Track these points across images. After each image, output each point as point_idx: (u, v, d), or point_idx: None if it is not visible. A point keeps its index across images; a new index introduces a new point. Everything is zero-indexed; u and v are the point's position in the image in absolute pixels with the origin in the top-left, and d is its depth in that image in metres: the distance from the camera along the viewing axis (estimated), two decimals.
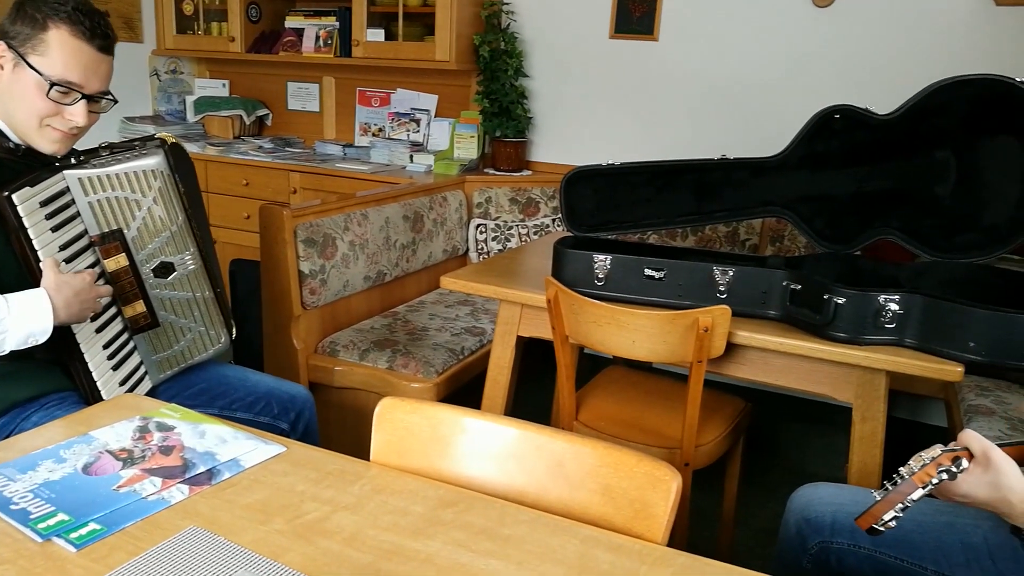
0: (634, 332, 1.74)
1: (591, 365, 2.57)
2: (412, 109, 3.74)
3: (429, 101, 3.71)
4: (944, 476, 1.00)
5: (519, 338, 2.05)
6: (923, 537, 1.30)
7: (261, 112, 4.08)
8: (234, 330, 1.82)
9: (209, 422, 1.18)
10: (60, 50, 1.41)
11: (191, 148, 3.67)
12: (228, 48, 3.83)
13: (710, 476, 2.14)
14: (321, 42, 3.62)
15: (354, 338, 2.48)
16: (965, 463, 1.02)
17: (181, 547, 0.88)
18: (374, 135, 3.82)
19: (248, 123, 4.03)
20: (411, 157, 3.53)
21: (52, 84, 1.41)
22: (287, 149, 3.83)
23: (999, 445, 1.09)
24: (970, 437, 1.07)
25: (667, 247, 2.13)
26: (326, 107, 3.97)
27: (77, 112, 1.45)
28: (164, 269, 1.64)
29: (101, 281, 1.50)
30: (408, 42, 3.46)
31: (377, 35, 3.47)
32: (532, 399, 2.95)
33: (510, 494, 1.08)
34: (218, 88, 4.15)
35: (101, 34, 1.45)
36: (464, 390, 2.42)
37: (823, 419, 3.06)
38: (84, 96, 1.45)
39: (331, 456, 1.12)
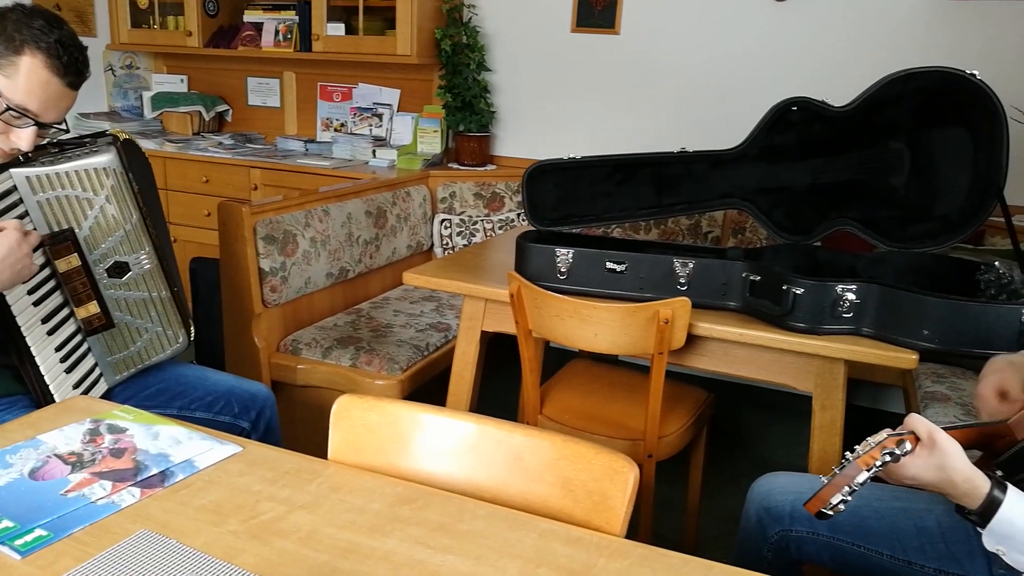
0: (596, 325, 1.75)
1: (557, 359, 2.58)
2: (374, 104, 3.71)
3: (391, 96, 3.68)
4: (888, 459, 1.02)
5: (483, 333, 2.04)
6: (879, 523, 1.33)
7: (221, 108, 4.02)
8: (193, 330, 1.79)
9: (163, 423, 1.16)
10: (27, 78, 1.36)
11: (149, 145, 3.60)
12: (185, 43, 3.76)
13: (674, 467, 2.15)
14: (281, 36, 3.57)
15: (317, 336, 2.45)
16: (908, 445, 1.04)
17: (131, 551, 0.86)
18: (336, 130, 3.78)
19: (207, 119, 3.97)
20: (374, 152, 3.50)
21: (8, 108, 1.36)
22: (248, 145, 3.78)
23: (945, 429, 1.11)
24: (916, 421, 1.09)
25: (629, 240, 2.14)
26: (287, 102, 3.92)
27: (24, 137, 1.40)
28: (119, 269, 1.60)
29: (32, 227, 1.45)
30: (369, 36, 3.42)
31: (337, 29, 3.43)
32: (498, 394, 2.94)
33: (469, 489, 1.08)
34: (176, 84, 4.07)
35: (75, 71, 1.42)
36: (429, 386, 2.41)
37: (785, 408, 3.10)
38: (36, 123, 1.41)
39: (288, 455, 1.11)
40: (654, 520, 1.97)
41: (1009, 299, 1.68)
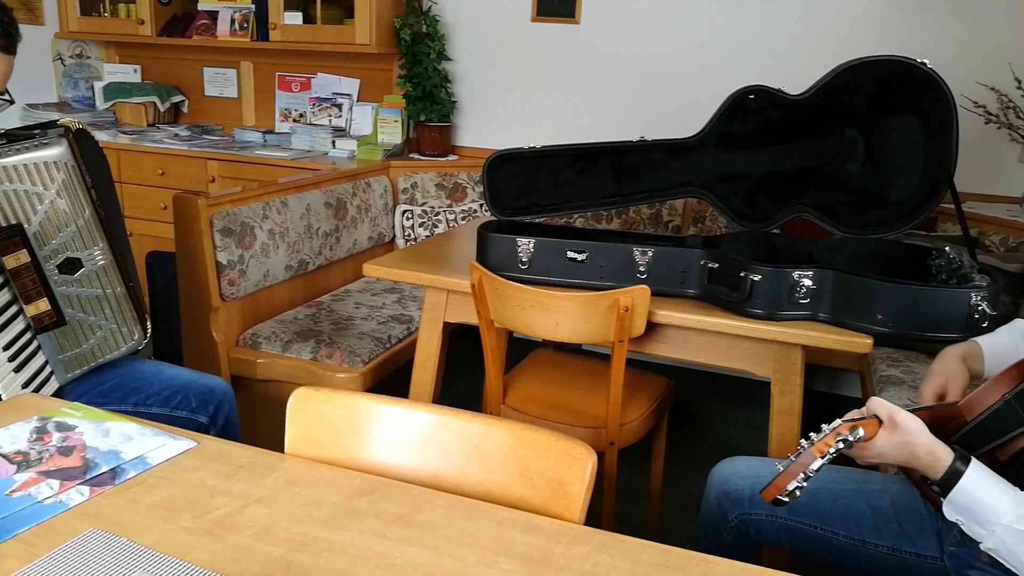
0: (557, 314, 1.75)
1: (521, 349, 2.58)
2: (333, 94, 3.66)
3: (351, 85, 3.64)
4: (841, 445, 1.03)
5: (446, 324, 2.03)
6: (835, 504, 1.35)
7: (176, 99, 3.94)
8: (149, 326, 1.75)
9: (114, 420, 1.13)
10: None
11: (101, 136, 3.52)
12: (137, 31, 3.67)
13: (637, 454, 2.17)
14: (237, 25, 3.51)
15: (276, 329, 2.42)
16: (861, 431, 1.06)
17: (79, 551, 0.84)
18: (295, 121, 3.73)
19: (163, 110, 3.88)
20: (333, 143, 3.46)
21: None
22: (204, 136, 3.71)
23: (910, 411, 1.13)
24: (877, 404, 1.12)
25: (590, 229, 2.15)
26: (244, 93, 3.86)
27: None
28: (71, 265, 1.56)
29: None
30: (327, 25, 3.37)
31: (295, 18, 3.38)
32: (463, 385, 2.94)
33: (428, 480, 1.07)
34: (129, 73, 3.98)
35: (3, 32, 1.37)
36: (392, 379, 2.39)
37: (746, 394, 3.15)
38: None
39: (244, 449, 1.09)
40: (617, 507, 1.98)
41: (959, 283, 1.72)
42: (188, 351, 2.39)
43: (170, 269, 2.42)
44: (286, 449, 1.12)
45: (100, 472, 1.00)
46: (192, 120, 3.97)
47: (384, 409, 1.11)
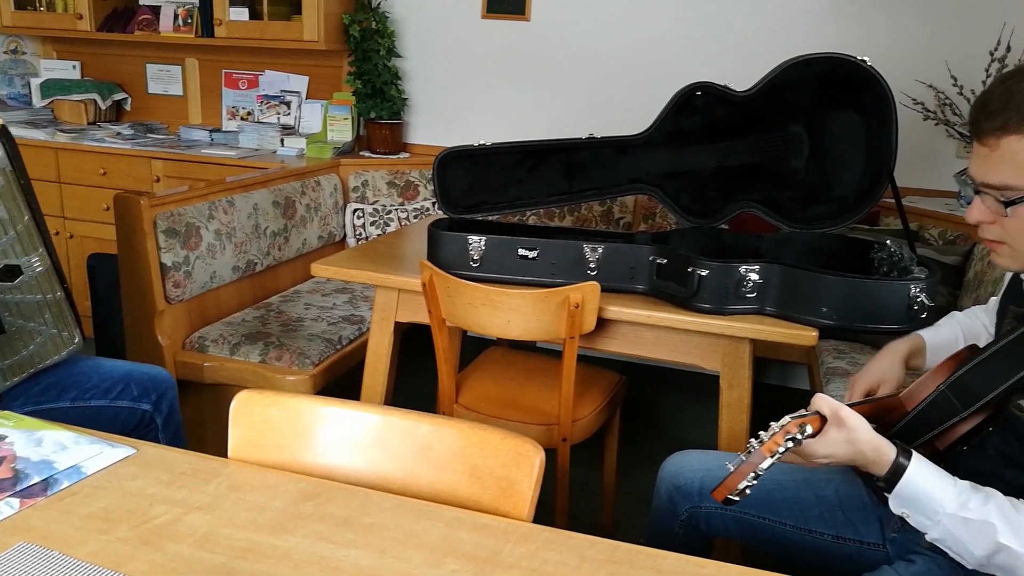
0: (508, 312, 1.75)
1: (476, 348, 2.57)
2: (282, 91, 3.60)
3: (299, 83, 3.58)
4: (791, 444, 1.03)
5: (397, 324, 2.01)
6: (782, 495, 1.37)
7: (118, 96, 3.83)
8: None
9: (47, 428, 1.09)
10: None
11: (39, 135, 3.41)
12: (76, 26, 3.55)
13: (590, 450, 2.18)
14: (180, 21, 3.42)
15: (224, 332, 2.37)
16: (810, 429, 1.05)
17: (7, 566, 0.81)
18: (243, 119, 3.66)
19: (104, 108, 3.77)
20: (282, 141, 3.41)
21: None
22: (149, 135, 3.61)
23: (850, 406, 1.14)
24: (820, 401, 1.11)
25: (541, 227, 2.15)
26: (190, 90, 3.77)
27: None
28: (10, 272, 1.51)
29: None
30: (274, 21, 3.31)
31: (241, 14, 3.31)
32: (417, 385, 2.92)
33: (376, 482, 1.06)
34: (68, 70, 3.85)
35: None
36: (344, 381, 2.36)
37: (698, 387, 3.18)
38: None
39: (185, 455, 1.06)
40: (571, 503, 1.99)
41: (899, 276, 1.76)
42: (132, 355, 2.33)
43: (112, 272, 2.35)
44: (229, 454, 1.09)
45: (31, 483, 0.96)
46: (135, 118, 3.86)
47: (330, 411, 1.09)
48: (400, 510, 0.96)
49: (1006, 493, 1.07)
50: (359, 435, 1.08)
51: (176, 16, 3.43)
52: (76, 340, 1.64)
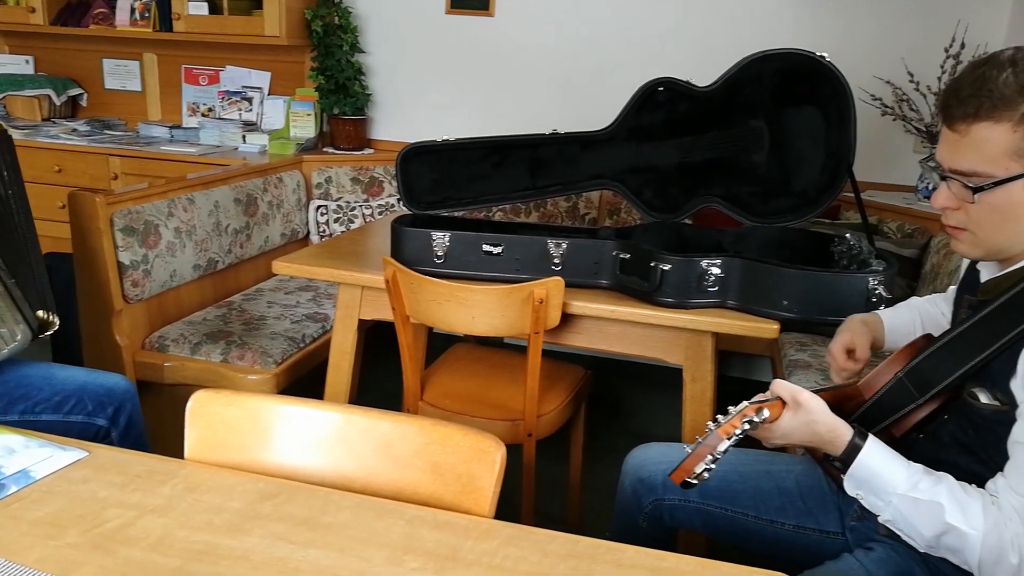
0: (473, 308, 1.74)
1: (443, 344, 2.55)
2: (243, 87, 3.55)
3: (261, 79, 3.53)
4: (747, 427, 1.05)
5: (361, 322, 1.99)
6: (744, 486, 1.38)
7: (74, 91, 3.74)
8: (54, 319, 1.64)
9: None
10: None
11: None
12: (28, 19, 3.46)
13: (556, 445, 2.18)
14: (137, 15, 3.35)
15: (185, 331, 2.33)
16: (767, 412, 1.07)
17: None
18: (203, 115, 3.59)
19: (59, 104, 3.68)
20: (244, 137, 3.35)
21: None
22: (106, 132, 3.54)
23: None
24: (779, 386, 1.13)
25: (506, 223, 2.14)
26: (149, 86, 3.70)
27: None
28: None
29: None
30: (234, 16, 3.26)
31: (200, 8, 3.25)
32: (384, 383, 2.90)
33: (337, 481, 1.04)
34: (20, 65, 3.76)
35: None
36: (307, 379, 2.34)
37: (662, 381, 3.20)
38: None
39: (139, 457, 1.04)
40: (537, 499, 1.99)
41: (859, 269, 1.78)
42: (89, 356, 2.28)
43: (68, 271, 2.30)
44: (186, 455, 1.07)
45: None
46: (92, 114, 3.78)
47: (289, 410, 1.07)
48: (360, 509, 0.95)
49: (960, 479, 1.09)
50: (319, 434, 1.07)
51: (133, 10, 3.36)
52: (18, 338, 1.57)
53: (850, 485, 1.10)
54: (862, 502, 1.10)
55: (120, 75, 3.70)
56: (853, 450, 1.08)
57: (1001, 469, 1.04)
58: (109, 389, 1.60)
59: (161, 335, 2.32)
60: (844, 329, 1.42)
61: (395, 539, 0.89)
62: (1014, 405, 1.02)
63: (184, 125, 3.59)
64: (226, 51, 3.50)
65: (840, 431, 1.10)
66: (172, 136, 3.48)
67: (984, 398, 1.07)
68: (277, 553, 0.86)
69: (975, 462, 1.09)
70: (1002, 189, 1.02)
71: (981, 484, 1.06)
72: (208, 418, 1.07)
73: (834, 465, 1.13)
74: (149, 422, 1.92)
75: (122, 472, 1.00)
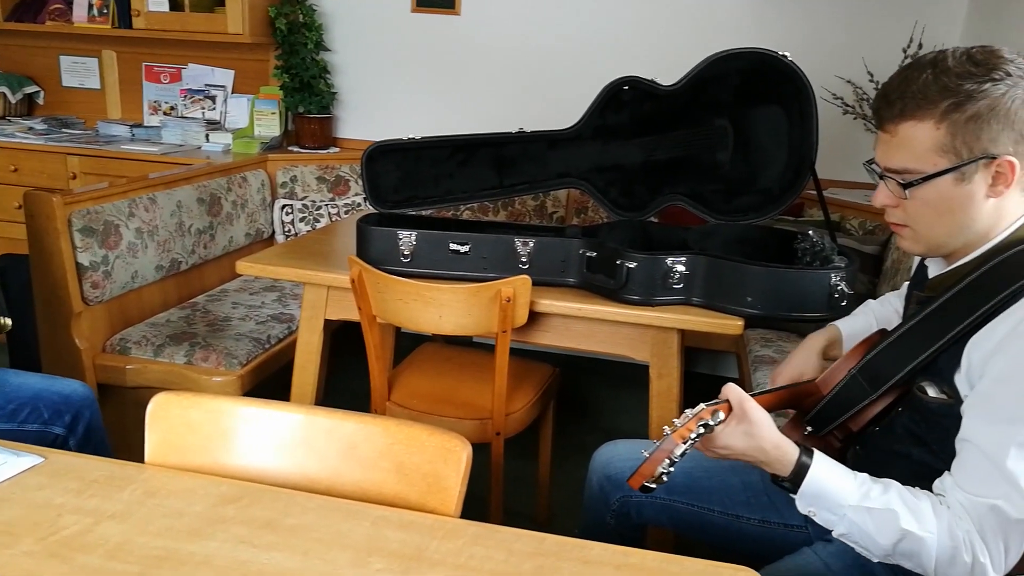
0: (440, 307, 1.73)
1: (411, 344, 2.54)
2: (206, 85, 3.50)
3: (225, 77, 3.49)
4: (702, 430, 1.03)
5: (328, 322, 1.98)
6: (710, 482, 1.39)
7: (30, 89, 3.66)
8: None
9: None
10: None
11: None
12: None
13: (525, 443, 2.18)
14: (95, 11, 3.28)
15: (147, 333, 2.29)
16: (722, 415, 1.06)
17: None
18: (165, 114, 3.54)
19: (14, 102, 3.60)
20: (207, 136, 3.31)
21: None
22: (64, 131, 3.46)
23: (758, 393, 1.16)
24: (729, 390, 1.11)
25: (473, 221, 2.14)
26: (108, 84, 3.63)
27: None
28: None
29: None
30: (196, 13, 3.21)
31: (160, 4, 3.20)
32: (352, 384, 2.88)
33: (301, 483, 1.03)
34: None
35: None
36: (273, 380, 2.31)
37: (631, 378, 3.21)
38: None
39: (97, 462, 1.02)
40: (508, 497, 1.99)
41: (821, 265, 1.81)
42: (47, 360, 2.23)
43: (25, 273, 2.24)
44: (146, 459, 1.05)
45: None
46: (49, 113, 3.70)
47: (251, 412, 1.06)
48: (325, 510, 0.94)
49: (914, 470, 1.11)
50: (282, 436, 1.06)
51: (91, 6, 3.29)
52: None
53: (802, 504, 1.08)
54: (815, 519, 1.08)
55: (78, 72, 3.63)
56: (801, 468, 1.06)
57: (951, 460, 1.06)
58: (66, 396, 1.56)
59: (123, 337, 2.28)
60: (794, 363, 1.40)
61: (360, 540, 0.88)
62: (959, 399, 1.04)
63: (145, 124, 3.53)
64: (188, 49, 3.44)
65: (786, 448, 1.07)
66: (133, 135, 3.42)
67: (932, 392, 1.08)
68: (240, 557, 0.85)
69: (927, 453, 1.11)
70: (930, 184, 1.05)
71: (933, 474, 1.08)
72: (169, 421, 1.06)
73: (783, 486, 1.10)
74: (112, 427, 1.89)
75: (79, 478, 0.98)
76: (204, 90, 3.50)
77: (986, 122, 1.00)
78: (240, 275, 2.67)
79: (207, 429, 1.06)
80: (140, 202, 2.39)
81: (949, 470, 1.06)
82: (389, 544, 0.88)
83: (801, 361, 1.41)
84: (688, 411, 1.06)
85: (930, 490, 1.06)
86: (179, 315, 2.46)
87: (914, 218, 1.10)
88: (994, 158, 1.02)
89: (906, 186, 1.07)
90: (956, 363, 1.04)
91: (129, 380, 2.22)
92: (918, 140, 1.05)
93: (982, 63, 1.01)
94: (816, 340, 1.44)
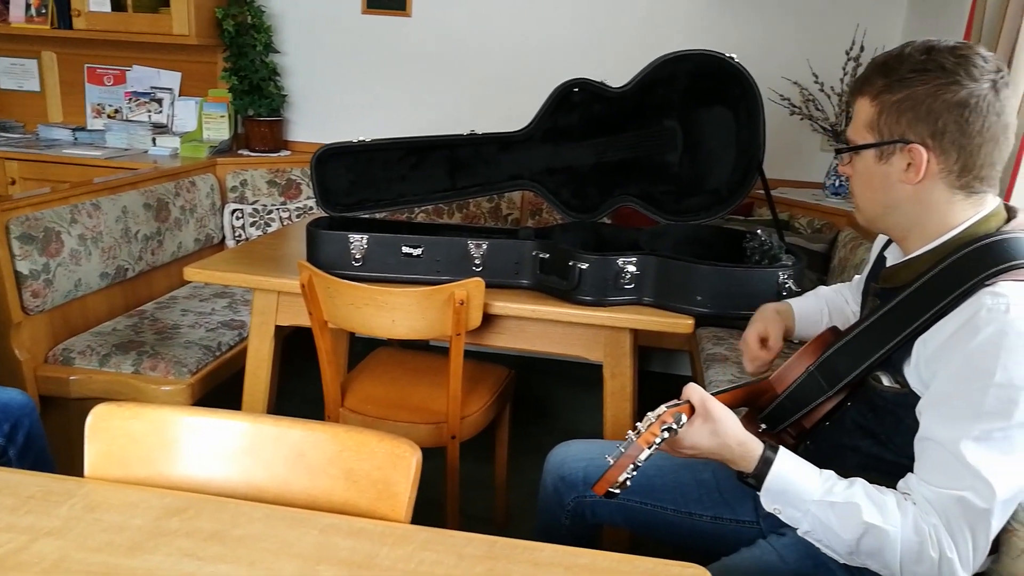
0: (393, 311, 1.72)
1: (367, 348, 2.52)
2: (152, 88, 3.42)
3: (171, 79, 3.41)
4: (667, 434, 1.03)
5: (279, 328, 1.95)
6: (663, 480, 1.40)
7: None
8: None
9: None
10: None
11: None
12: None
13: (482, 446, 2.18)
14: (33, 10, 3.19)
15: (92, 342, 2.23)
16: (684, 418, 1.06)
17: None
18: (110, 117, 3.45)
19: None
20: (154, 140, 3.23)
21: None
22: (2, 135, 3.35)
23: (712, 393, 1.17)
24: (691, 390, 1.12)
25: (426, 224, 2.13)
26: (48, 86, 3.52)
27: None
28: None
29: None
30: (140, 14, 3.14)
31: (102, 4, 3.12)
32: (305, 390, 2.84)
33: (249, 492, 1.02)
34: None
35: None
36: (225, 388, 2.27)
37: (586, 378, 3.23)
38: None
39: (34, 477, 0.99)
40: (466, 500, 1.98)
41: (769, 264, 1.84)
42: None
43: None
44: (86, 472, 1.02)
45: None
46: None
47: (196, 421, 1.04)
48: (272, 520, 0.92)
49: (862, 462, 1.13)
50: (228, 445, 1.03)
51: (28, 5, 3.20)
52: None
53: (767, 500, 1.09)
54: (780, 516, 1.09)
55: (16, 74, 3.52)
56: (765, 464, 1.07)
57: (901, 451, 1.08)
58: (4, 404, 1.52)
59: (66, 347, 2.21)
60: (757, 318, 1.46)
61: (308, 549, 0.87)
62: (911, 389, 1.07)
63: (89, 127, 3.44)
64: (132, 50, 3.36)
65: (750, 445, 1.09)
66: (76, 139, 3.33)
67: (887, 381, 1.11)
68: (184, 570, 0.83)
69: (875, 444, 1.14)
70: (859, 157, 1.12)
71: (881, 465, 1.10)
72: (110, 433, 1.03)
73: (748, 483, 1.11)
74: (55, 439, 1.84)
75: (14, 494, 0.94)
76: (150, 93, 3.42)
77: (909, 109, 1.05)
78: (189, 282, 2.62)
79: (150, 440, 1.03)
80: (83, 208, 2.32)
81: (898, 461, 1.08)
82: (338, 552, 0.86)
83: (764, 316, 1.45)
84: (650, 414, 1.06)
85: (880, 481, 1.06)
86: (126, 323, 2.40)
87: (853, 188, 1.17)
88: (908, 143, 1.06)
89: (838, 152, 1.16)
90: (907, 355, 1.07)
91: (73, 391, 2.16)
92: (860, 115, 1.12)
93: (936, 57, 1.04)
94: (768, 304, 1.48)
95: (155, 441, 1.03)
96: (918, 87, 1.04)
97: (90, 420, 1.03)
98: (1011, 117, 1.05)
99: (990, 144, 1.04)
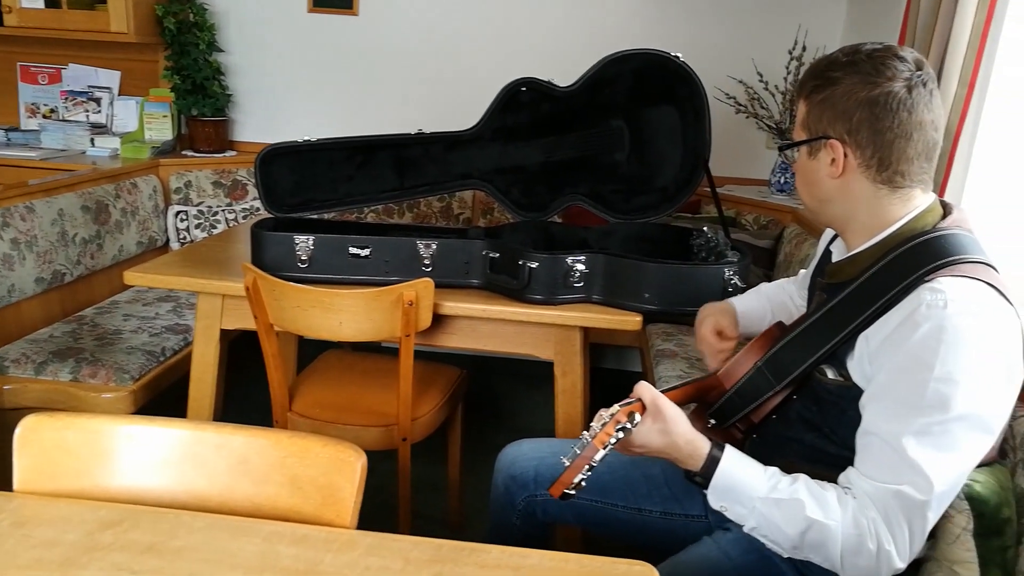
0: (339, 313, 1.69)
1: (316, 351, 2.48)
2: (90, 87, 3.32)
3: (110, 78, 3.32)
4: (621, 434, 1.04)
5: (224, 332, 1.90)
6: (613, 477, 1.41)
7: None
8: None
9: None
10: None
11: None
12: None
13: (435, 447, 2.16)
14: None
15: (28, 350, 2.15)
16: (638, 417, 1.07)
17: None
18: (45, 117, 3.34)
19: None
20: (92, 141, 3.14)
21: None
22: None
23: (663, 391, 1.18)
24: (642, 389, 1.13)
25: (374, 224, 2.10)
26: None
27: None
28: None
29: None
30: (75, 10, 3.04)
31: (35, 1, 3.01)
32: (254, 395, 2.78)
33: (190, 502, 0.99)
34: None
35: None
36: (170, 395, 2.21)
37: (539, 376, 3.24)
38: None
39: None
40: (419, 502, 1.97)
41: (715, 260, 1.86)
42: None
43: None
44: (15, 486, 0.98)
45: None
46: None
47: (133, 430, 1.00)
48: (213, 529, 0.90)
49: (806, 455, 1.15)
50: (168, 453, 1.01)
51: None
52: None
53: (714, 498, 1.10)
54: (726, 514, 1.11)
55: None
56: (712, 462, 1.09)
57: (843, 443, 1.10)
58: None
59: None
60: (707, 315, 1.47)
61: (250, 558, 0.85)
62: (853, 383, 1.09)
63: (23, 127, 3.32)
64: (68, 48, 3.26)
65: (698, 443, 1.10)
66: (8, 139, 3.21)
67: (831, 374, 1.13)
68: None
69: (819, 437, 1.16)
70: (797, 154, 1.17)
71: (824, 458, 1.12)
72: (41, 444, 0.99)
73: (695, 481, 1.12)
74: None
75: None
76: (87, 92, 3.32)
77: (829, 107, 1.10)
78: (131, 286, 2.55)
79: (84, 451, 1.00)
80: (15, 211, 2.24)
81: (841, 454, 1.10)
82: (281, 560, 0.85)
83: (713, 311, 1.47)
84: (603, 412, 1.06)
85: (824, 473, 1.09)
86: (64, 330, 2.32)
87: (796, 183, 1.23)
88: (828, 139, 1.11)
89: (780, 149, 1.24)
90: (850, 349, 1.09)
91: (7, 401, 2.08)
92: (798, 114, 1.18)
93: (856, 59, 1.09)
94: (711, 303, 1.51)
95: (89, 452, 1.00)
96: (838, 87, 1.09)
97: (18, 432, 0.99)
98: (924, 115, 1.07)
99: (902, 140, 1.07)
